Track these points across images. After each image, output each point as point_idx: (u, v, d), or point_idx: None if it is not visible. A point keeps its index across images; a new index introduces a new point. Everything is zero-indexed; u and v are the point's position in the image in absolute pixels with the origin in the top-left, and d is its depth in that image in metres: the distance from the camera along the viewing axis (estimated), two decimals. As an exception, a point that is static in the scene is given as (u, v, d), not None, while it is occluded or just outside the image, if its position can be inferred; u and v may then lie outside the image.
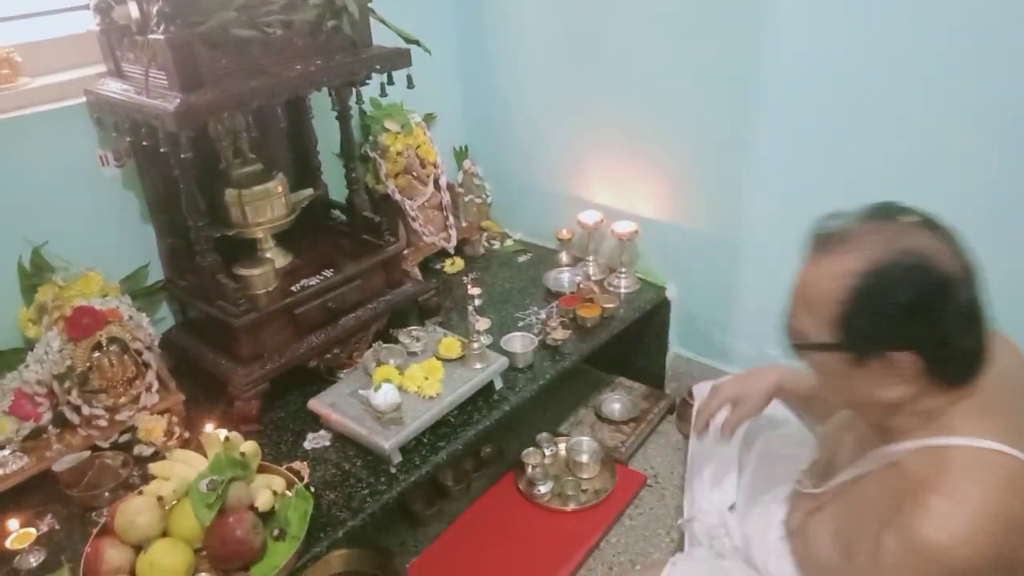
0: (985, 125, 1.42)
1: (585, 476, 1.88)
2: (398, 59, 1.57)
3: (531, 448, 1.91)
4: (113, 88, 1.45)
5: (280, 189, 1.62)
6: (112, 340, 1.47)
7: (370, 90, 1.62)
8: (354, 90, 1.60)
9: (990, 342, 0.95)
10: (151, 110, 1.31)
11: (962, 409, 0.95)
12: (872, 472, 1.03)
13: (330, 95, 1.64)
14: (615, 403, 2.09)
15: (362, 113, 1.95)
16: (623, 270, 2.04)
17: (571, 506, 1.81)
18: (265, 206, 1.60)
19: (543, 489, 1.84)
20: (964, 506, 0.87)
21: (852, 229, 0.95)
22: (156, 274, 1.71)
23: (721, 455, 1.49)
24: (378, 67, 1.54)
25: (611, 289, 2.02)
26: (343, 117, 1.69)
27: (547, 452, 1.93)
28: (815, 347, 0.98)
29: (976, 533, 0.85)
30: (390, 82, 1.59)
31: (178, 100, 1.27)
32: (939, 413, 0.95)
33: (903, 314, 0.90)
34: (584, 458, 1.89)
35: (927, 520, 0.87)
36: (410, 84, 1.62)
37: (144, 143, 1.43)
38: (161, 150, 1.37)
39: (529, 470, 1.86)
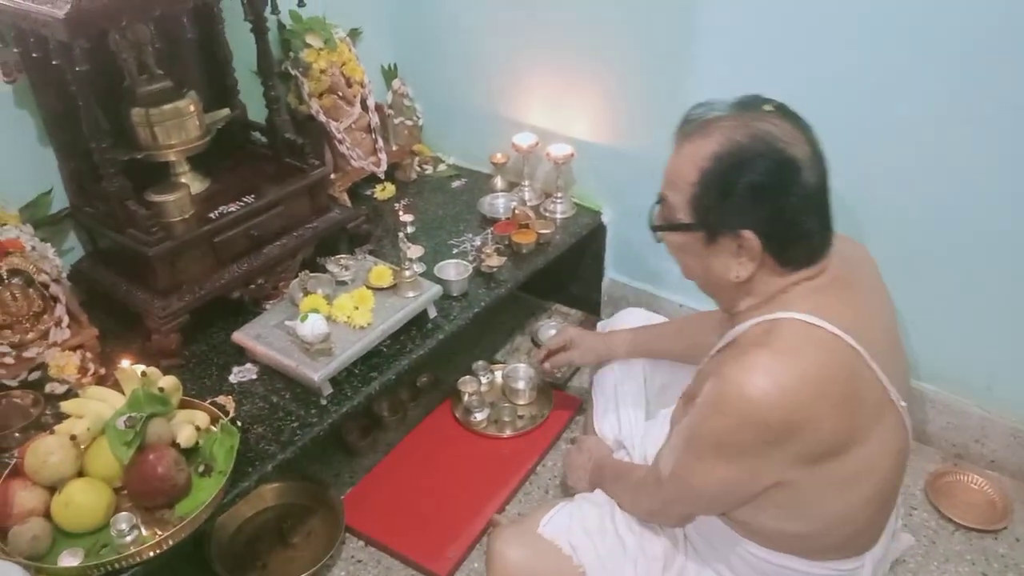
0: (933, 35, 1.39)
1: (521, 402, 1.88)
2: (315, -37, 1.46)
3: (467, 376, 1.90)
4: (-7, -9, 1.30)
5: (192, 108, 1.51)
6: (14, 273, 1.37)
7: (288, 1, 1.50)
8: (268, -2, 1.48)
9: (833, 230, 1.01)
10: (38, 16, 1.18)
11: (802, 290, 1.01)
12: (715, 353, 1.09)
13: (242, 3, 1.52)
14: (551, 329, 2.08)
15: (281, 27, 1.82)
16: (559, 195, 2.00)
17: (507, 432, 1.81)
18: (176, 126, 1.49)
19: (479, 416, 1.83)
20: (775, 364, 0.94)
21: (713, 117, 1.00)
22: (61, 201, 1.59)
23: (622, 378, 1.55)
24: (292, -30, 1.43)
25: (547, 214, 1.98)
26: (258, 29, 1.56)
27: (483, 380, 1.92)
28: (672, 227, 1.05)
29: (777, 387, 0.92)
30: (307, -10, 1.48)
31: (68, 5, 1.15)
32: (780, 293, 1.01)
33: (749, 193, 0.95)
34: (520, 385, 1.88)
35: (740, 368, 0.95)
36: (330, -7, 1.51)
37: (34, 55, 1.29)
38: (53, 63, 1.24)
39: (465, 398, 1.85)
